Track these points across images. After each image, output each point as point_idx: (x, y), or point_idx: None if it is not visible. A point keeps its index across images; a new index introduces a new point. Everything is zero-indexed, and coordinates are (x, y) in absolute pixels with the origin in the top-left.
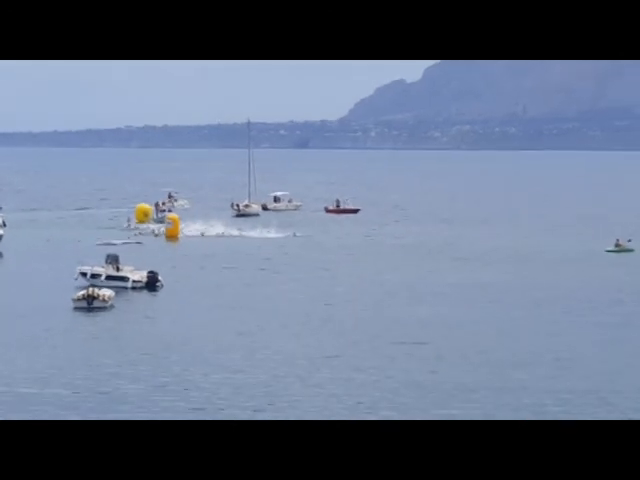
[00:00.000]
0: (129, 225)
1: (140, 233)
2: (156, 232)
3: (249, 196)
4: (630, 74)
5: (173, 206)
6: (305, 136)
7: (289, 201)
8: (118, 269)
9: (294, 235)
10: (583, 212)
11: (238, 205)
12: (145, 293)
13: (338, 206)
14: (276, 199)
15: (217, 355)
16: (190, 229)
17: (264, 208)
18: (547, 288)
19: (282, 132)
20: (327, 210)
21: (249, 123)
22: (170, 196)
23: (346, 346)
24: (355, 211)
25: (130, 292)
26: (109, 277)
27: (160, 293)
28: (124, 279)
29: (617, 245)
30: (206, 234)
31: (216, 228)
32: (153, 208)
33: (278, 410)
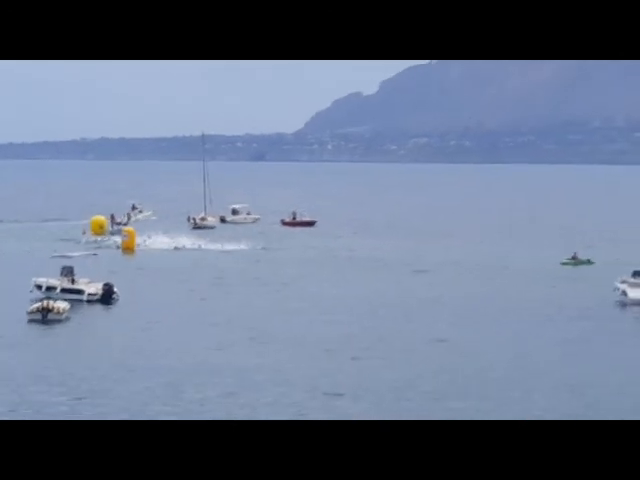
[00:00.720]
0: (85, 237)
1: (99, 247)
2: (118, 244)
3: (205, 209)
4: (585, 87)
5: (137, 218)
6: (261, 149)
7: (247, 213)
8: (73, 281)
9: (250, 248)
10: (540, 224)
11: (194, 218)
12: (100, 306)
13: (294, 218)
14: (234, 211)
15: (171, 369)
16: (148, 242)
17: (222, 220)
18: (499, 300)
19: (239, 144)
20: (283, 222)
21: (203, 136)
22: (134, 207)
23: (298, 359)
24: (311, 223)
25: (85, 305)
26: (64, 290)
27: (115, 306)
28: (79, 292)
29: (573, 258)
30: (162, 247)
31: (173, 241)
32: (109, 220)
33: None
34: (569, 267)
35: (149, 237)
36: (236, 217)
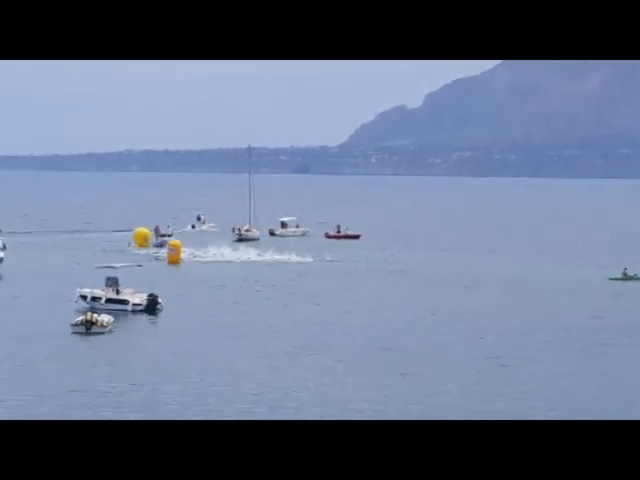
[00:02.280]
0: (130, 249)
1: (144, 258)
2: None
3: (250, 221)
4: (632, 100)
5: (201, 229)
6: (306, 162)
7: (296, 226)
8: (118, 292)
9: (294, 260)
10: (586, 239)
11: (239, 230)
12: (145, 316)
13: (339, 232)
14: (283, 224)
15: (216, 381)
16: (193, 254)
17: (271, 233)
18: (546, 316)
19: (283, 157)
20: (327, 236)
21: (250, 148)
22: (199, 218)
23: (343, 374)
24: (356, 237)
25: (130, 315)
26: (109, 300)
27: (160, 316)
28: (124, 302)
29: (623, 273)
30: (208, 259)
31: (218, 253)
32: (152, 232)
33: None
34: (618, 282)
35: (194, 248)
36: (285, 230)
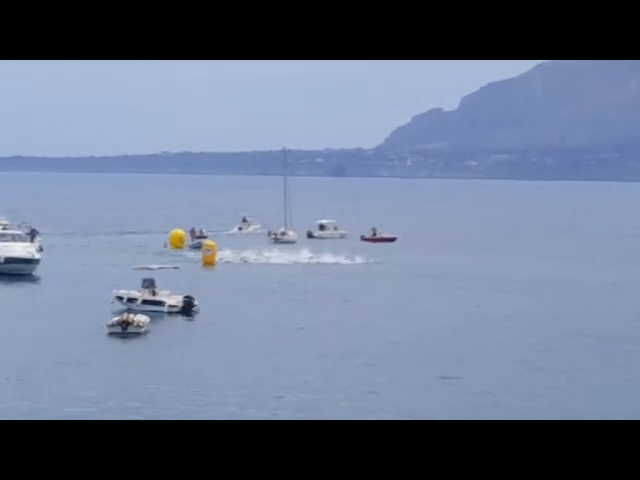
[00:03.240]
0: (165, 250)
1: (180, 259)
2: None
3: (285, 224)
4: None
5: (248, 230)
6: (341, 164)
7: (334, 229)
8: (154, 293)
9: (330, 263)
10: (626, 242)
11: (275, 233)
12: (180, 318)
13: (374, 234)
14: (322, 227)
15: (251, 385)
16: (229, 256)
17: (309, 236)
18: (600, 319)
19: (318, 160)
20: (363, 238)
21: (284, 150)
22: (245, 220)
23: (382, 382)
24: (392, 240)
25: (166, 317)
26: (145, 301)
27: (195, 318)
28: (160, 303)
29: None
30: (245, 260)
31: (254, 255)
32: (188, 234)
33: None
34: None
35: (230, 250)
36: (323, 232)
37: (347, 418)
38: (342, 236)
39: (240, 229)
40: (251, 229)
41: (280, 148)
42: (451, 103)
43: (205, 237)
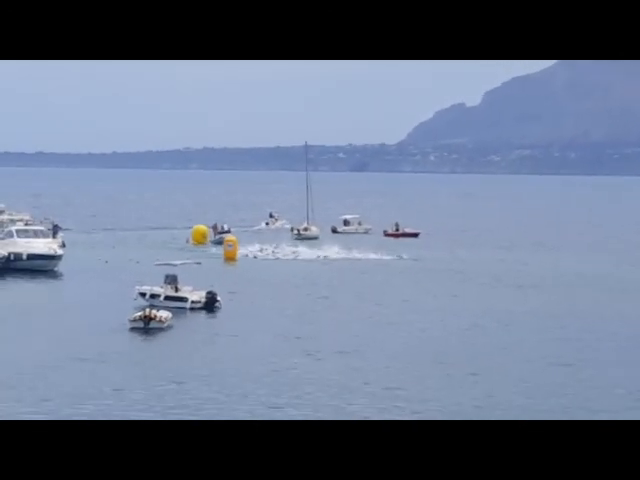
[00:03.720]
0: (188, 246)
1: (201, 255)
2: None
3: (307, 219)
4: None
5: (275, 226)
6: (364, 159)
7: (359, 224)
8: (177, 289)
9: (353, 258)
10: None
11: (298, 229)
12: (203, 314)
13: (397, 230)
14: (346, 222)
15: (274, 381)
16: (250, 251)
17: (334, 231)
18: (621, 317)
19: (341, 155)
20: (386, 234)
21: (307, 146)
22: (271, 215)
23: (393, 374)
24: (415, 235)
25: (188, 312)
26: (168, 297)
27: (218, 314)
28: (183, 299)
29: None
30: (267, 256)
31: (277, 250)
32: (210, 230)
33: None
34: None
35: (252, 245)
36: (347, 227)
37: (352, 418)
38: (366, 231)
39: (267, 224)
40: (278, 224)
41: (302, 144)
42: (474, 98)
43: (228, 232)
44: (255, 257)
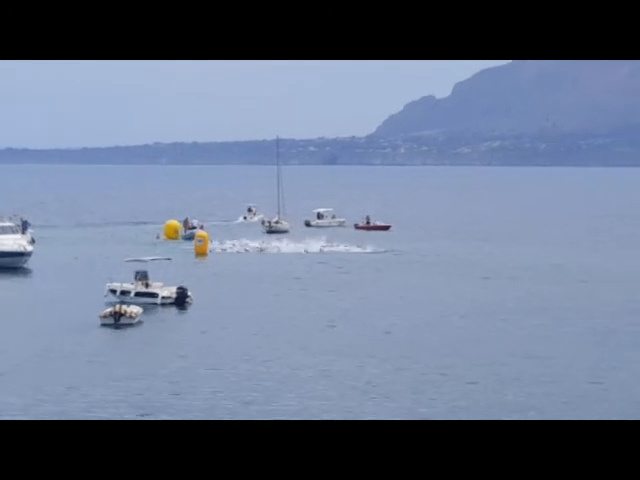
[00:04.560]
0: (159, 242)
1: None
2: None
3: (279, 213)
4: None
5: (252, 220)
6: (334, 152)
7: (333, 217)
8: (147, 285)
9: (323, 251)
10: (622, 228)
11: (269, 222)
12: (174, 309)
13: (368, 223)
14: (319, 215)
15: (245, 374)
16: (221, 246)
17: (307, 224)
18: (603, 306)
19: (311, 148)
20: (357, 227)
21: (278, 140)
22: (250, 210)
23: (357, 364)
24: (386, 228)
25: (159, 308)
26: (138, 294)
27: (189, 309)
28: (153, 295)
29: None
30: (238, 251)
31: (247, 245)
32: (181, 225)
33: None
34: None
35: (224, 240)
36: (321, 221)
37: (353, 418)
38: (340, 224)
39: (245, 219)
40: (256, 219)
41: (273, 137)
42: (443, 90)
43: (199, 228)
44: (225, 251)
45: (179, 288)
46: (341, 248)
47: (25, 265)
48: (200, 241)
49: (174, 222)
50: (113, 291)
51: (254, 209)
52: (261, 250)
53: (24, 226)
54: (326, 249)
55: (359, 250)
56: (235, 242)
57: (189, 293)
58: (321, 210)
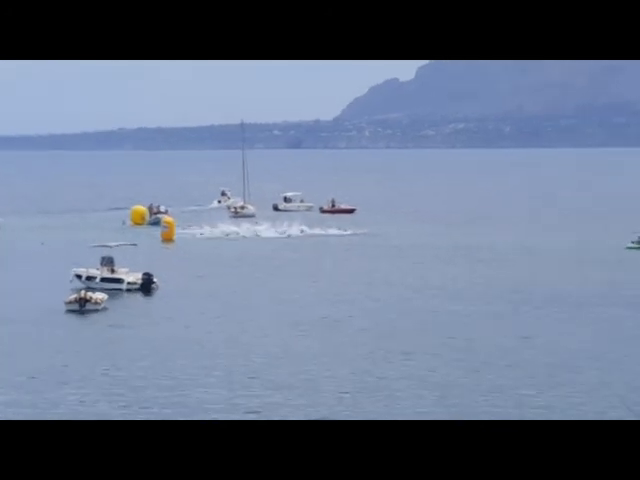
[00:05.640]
0: (125, 227)
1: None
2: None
3: (244, 197)
4: (629, 70)
5: (227, 203)
6: (299, 136)
7: (301, 201)
8: (113, 271)
9: (288, 236)
10: (591, 209)
11: (235, 207)
12: (139, 295)
13: (333, 206)
14: (287, 199)
15: (210, 360)
16: (187, 231)
17: (275, 208)
18: (569, 287)
19: (276, 132)
20: (322, 210)
21: (242, 124)
22: (224, 194)
23: (330, 347)
24: (351, 211)
25: (125, 294)
26: (104, 279)
27: (155, 295)
28: (119, 281)
29: (639, 242)
30: (205, 235)
31: (213, 229)
32: (147, 210)
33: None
34: (636, 251)
35: (190, 226)
36: (289, 205)
37: (353, 418)
38: (309, 209)
39: (219, 202)
40: (230, 202)
41: (237, 122)
42: (407, 73)
43: (164, 213)
44: (192, 236)
45: (145, 274)
46: (305, 232)
47: None
48: (166, 227)
49: (140, 208)
50: (79, 276)
51: (229, 193)
52: (227, 235)
53: None
54: (288, 232)
55: (322, 233)
56: (201, 227)
57: (155, 279)
58: (289, 194)
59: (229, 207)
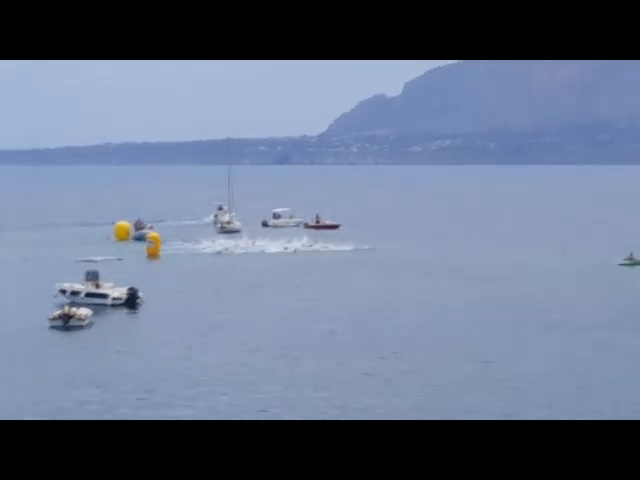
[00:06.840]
0: (109, 242)
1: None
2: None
3: (230, 213)
4: (611, 87)
5: (223, 218)
6: (286, 152)
7: (290, 217)
8: (98, 286)
9: (275, 252)
10: (576, 227)
11: (222, 222)
12: (124, 310)
13: (318, 222)
14: (276, 215)
15: (196, 377)
16: (173, 246)
17: (264, 225)
18: (560, 305)
19: (262, 148)
20: (307, 226)
21: (228, 140)
22: (220, 208)
23: (315, 365)
24: (335, 227)
25: (109, 309)
26: (89, 294)
27: (140, 310)
28: (104, 296)
29: (630, 258)
30: (189, 252)
31: (199, 245)
32: (132, 226)
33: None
34: (628, 268)
35: (177, 241)
36: (278, 221)
37: (353, 418)
38: (298, 224)
39: (216, 217)
40: (226, 218)
41: (223, 137)
42: (394, 89)
43: (148, 228)
44: (176, 253)
45: (130, 289)
46: (292, 247)
47: None
48: (151, 242)
49: (124, 223)
50: (63, 291)
51: (225, 208)
52: (212, 250)
53: None
54: (272, 249)
55: (306, 249)
56: (186, 243)
57: (140, 294)
58: (278, 210)
59: (215, 222)
